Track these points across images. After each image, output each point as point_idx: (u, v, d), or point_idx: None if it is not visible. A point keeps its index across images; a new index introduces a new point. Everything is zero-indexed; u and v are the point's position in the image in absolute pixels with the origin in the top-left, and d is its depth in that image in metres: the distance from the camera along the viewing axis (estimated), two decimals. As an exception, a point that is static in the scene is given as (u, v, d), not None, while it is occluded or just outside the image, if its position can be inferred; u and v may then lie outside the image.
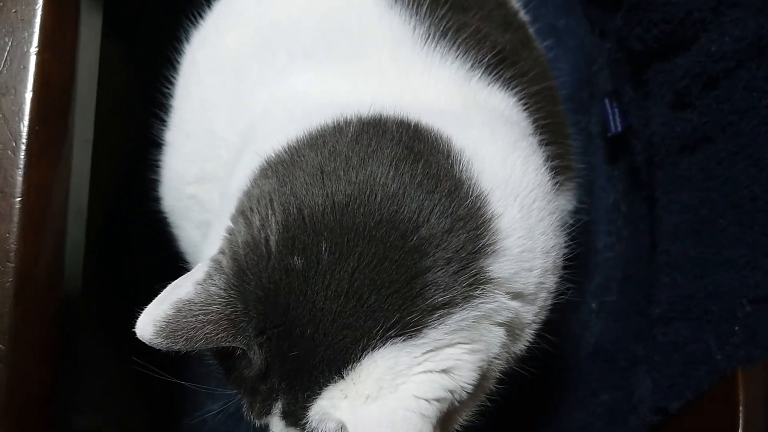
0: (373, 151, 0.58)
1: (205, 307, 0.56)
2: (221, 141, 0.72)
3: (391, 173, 0.57)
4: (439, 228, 0.55)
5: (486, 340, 0.57)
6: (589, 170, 1.08)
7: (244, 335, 0.56)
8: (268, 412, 0.59)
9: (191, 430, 1.00)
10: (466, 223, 0.56)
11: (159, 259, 0.83)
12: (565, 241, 0.71)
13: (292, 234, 0.55)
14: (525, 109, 0.74)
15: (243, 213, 0.59)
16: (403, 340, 0.54)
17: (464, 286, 0.55)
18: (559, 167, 0.79)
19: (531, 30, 0.88)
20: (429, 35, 0.70)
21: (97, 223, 0.85)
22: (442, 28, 0.70)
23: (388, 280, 0.54)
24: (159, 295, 0.56)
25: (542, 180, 0.65)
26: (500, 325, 0.58)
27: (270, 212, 0.57)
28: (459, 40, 0.70)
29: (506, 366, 0.63)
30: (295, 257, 0.55)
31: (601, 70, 1.11)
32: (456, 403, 0.56)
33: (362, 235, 0.54)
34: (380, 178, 0.56)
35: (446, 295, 0.54)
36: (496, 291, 0.57)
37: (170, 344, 0.55)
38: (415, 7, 0.71)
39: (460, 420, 0.61)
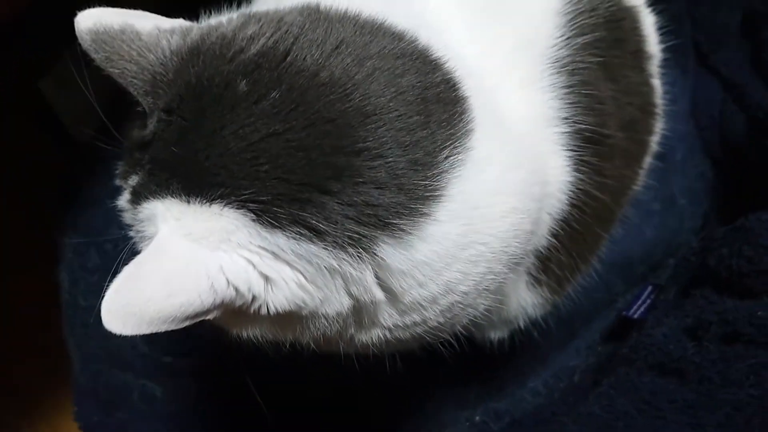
0: (394, 69, 0.54)
1: (143, 49, 0.55)
2: None
3: (389, 92, 0.53)
4: (381, 175, 0.51)
5: (326, 294, 0.53)
6: (576, 321, 1.03)
7: (154, 100, 0.55)
8: (125, 179, 0.57)
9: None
10: (406, 198, 0.52)
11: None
12: (485, 315, 0.66)
13: (261, 63, 0.53)
14: (569, 197, 0.68)
15: (253, 16, 0.57)
16: (253, 220, 0.50)
17: (344, 235, 0.50)
18: (553, 274, 0.74)
19: (648, 161, 0.82)
20: (559, 60, 0.65)
21: None
22: (574, 67, 0.66)
23: (290, 168, 0.50)
24: (121, 9, 0.56)
25: (511, 243, 0.58)
26: (350, 296, 0.54)
27: (268, 34, 0.54)
28: (578, 89, 0.66)
29: (335, 338, 0.58)
30: (245, 81, 0.52)
31: (670, 267, 1.05)
32: (251, 310, 0.52)
33: (310, 115, 0.51)
34: (375, 91, 0.52)
35: (322, 225, 0.50)
36: (370, 268, 0.53)
37: (92, 49, 0.55)
38: (573, 31, 0.67)
39: (249, 331, 0.57)
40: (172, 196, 0.52)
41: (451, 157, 0.54)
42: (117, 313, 0.48)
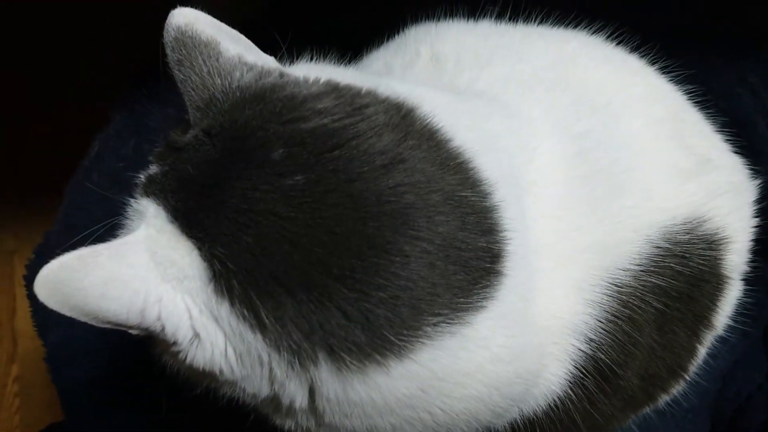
0: (437, 213, 0.51)
1: (214, 71, 0.54)
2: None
3: (411, 236, 0.50)
4: (352, 310, 0.49)
5: (249, 375, 0.52)
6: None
7: (201, 117, 0.54)
8: (151, 163, 0.56)
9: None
10: (367, 341, 0.49)
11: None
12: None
13: (307, 141, 0.50)
14: (548, 406, 0.64)
15: (337, 89, 0.55)
16: (210, 279, 0.49)
17: (285, 341, 0.49)
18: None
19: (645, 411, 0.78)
20: (621, 287, 0.61)
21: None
22: (631, 302, 0.62)
23: (270, 254, 0.48)
24: (220, 22, 0.55)
25: (459, 423, 0.56)
26: (272, 389, 0.52)
27: (335, 117, 0.52)
28: (621, 324, 0.62)
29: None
30: (282, 150, 0.50)
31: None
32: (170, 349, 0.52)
33: (318, 218, 0.49)
34: (395, 228, 0.49)
35: (268, 321, 0.49)
36: (298, 378, 0.51)
37: (171, 46, 0.54)
38: (653, 268, 0.63)
39: (168, 360, 0.55)
40: (164, 209, 0.51)
41: (440, 326, 0.50)
42: (49, 284, 0.47)
